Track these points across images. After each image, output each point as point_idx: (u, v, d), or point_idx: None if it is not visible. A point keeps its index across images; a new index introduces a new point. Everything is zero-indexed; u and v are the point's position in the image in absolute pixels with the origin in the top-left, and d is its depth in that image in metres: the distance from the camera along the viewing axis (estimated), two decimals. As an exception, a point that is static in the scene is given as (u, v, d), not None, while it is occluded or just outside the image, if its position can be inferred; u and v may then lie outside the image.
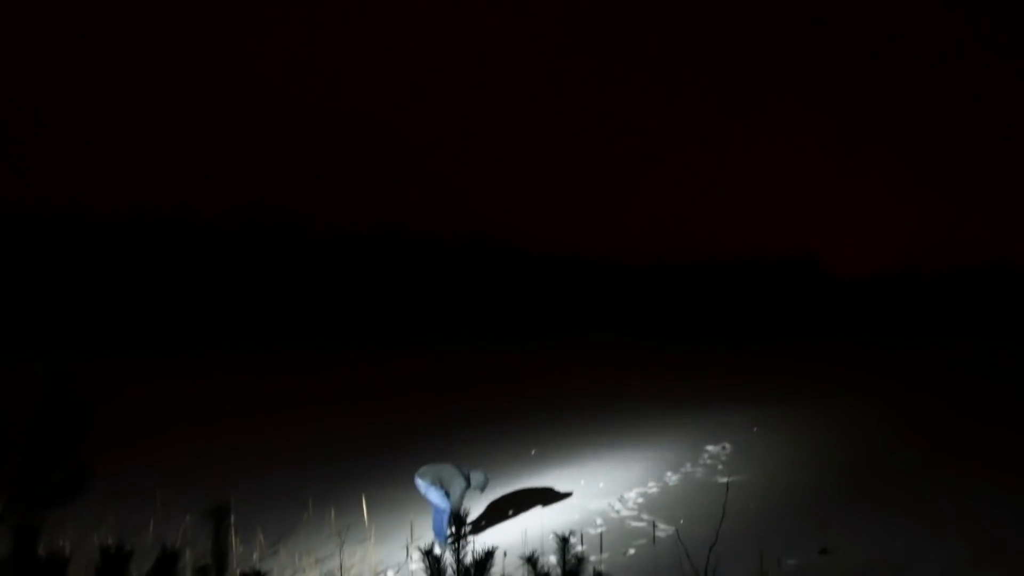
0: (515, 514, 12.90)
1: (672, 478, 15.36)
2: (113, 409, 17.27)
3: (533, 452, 14.93)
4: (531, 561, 4.02)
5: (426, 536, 11.63)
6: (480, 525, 12.24)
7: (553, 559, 4.05)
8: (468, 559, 3.64)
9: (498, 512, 13.01)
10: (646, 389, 24.44)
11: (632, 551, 11.24)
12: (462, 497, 11.34)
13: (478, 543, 3.75)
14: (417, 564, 10.73)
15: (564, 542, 4.09)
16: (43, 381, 2.69)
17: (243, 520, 10.05)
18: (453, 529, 11.72)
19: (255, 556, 10.59)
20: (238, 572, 3.61)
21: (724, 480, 14.94)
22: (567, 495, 14.06)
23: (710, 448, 17.39)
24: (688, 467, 16.05)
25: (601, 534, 11.75)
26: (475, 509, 12.38)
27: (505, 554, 8.04)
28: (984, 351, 30.60)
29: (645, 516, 13.00)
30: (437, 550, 3.70)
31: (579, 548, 3.98)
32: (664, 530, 11.96)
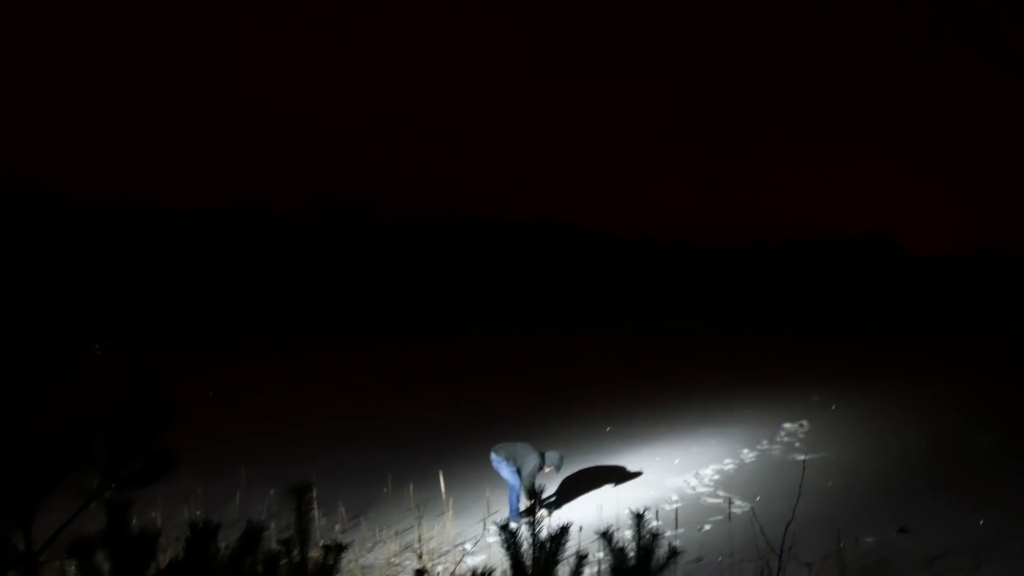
0: (590, 491, 12.97)
1: (748, 455, 15.28)
2: (198, 391, 17.80)
3: (608, 429, 14.96)
4: (606, 536, 4.08)
5: (502, 511, 11.77)
6: (555, 502, 12.34)
7: (628, 534, 4.10)
8: (544, 534, 3.68)
9: (573, 489, 13.08)
10: (721, 371, 24.29)
11: (708, 527, 11.25)
12: (534, 474, 11.44)
13: (554, 519, 3.80)
14: (494, 537, 10.87)
15: (639, 518, 4.13)
16: (133, 367, 2.81)
17: (325, 495, 10.30)
18: (526, 505, 11.85)
19: (337, 528, 10.84)
20: (321, 544, 3.73)
21: (801, 458, 14.82)
22: (642, 472, 14.08)
23: (787, 426, 17.26)
24: (765, 444, 15.96)
25: (677, 510, 11.76)
26: (551, 486, 12.47)
27: (580, 529, 8.10)
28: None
29: (721, 493, 12.98)
30: (512, 525, 3.78)
31: (654, 524, 4.02)
32: (740, 507, 11.93)
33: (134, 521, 2.82)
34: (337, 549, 3.73)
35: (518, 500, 11.57)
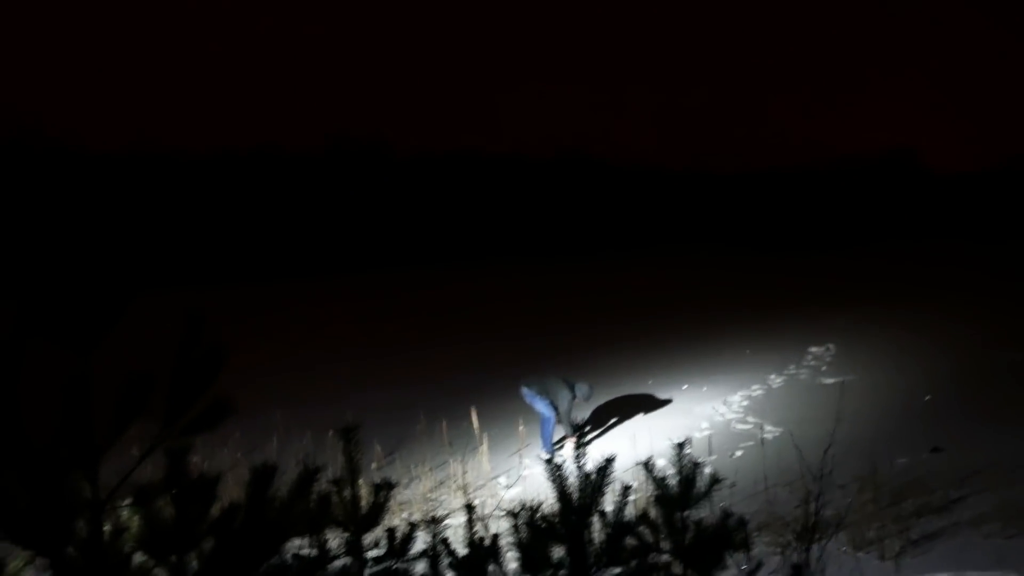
0: (620, 421, 13.08)
1: (776, 380, 15.35)
2: (228, 336, 17.89)
3: (685, 387, 14.97)
4: (647, 466, 4.13)
5: (534, 444, 11.89)
6: (587, 432, 12.44)
7: (661, 462, 4.15)
8: (588, 466, 3.73)
9: (604, 419, 13.20)
10: (744, 297, 24.29)
11: (739, 453, 11.34)
12: (571, 407, 11.53)
13: (591, 450, 3.85)
14: (527, 470, 11.00)
15: (680, 447, 4.18)
16: (183, 318, 2.86)
17: (359, 433, 10.41)
18: (561, 438, 11.97)
19: (373, 466, 11.00)
20: (370, 481, 3.80)
21: (829, 381, 14.88)
22: (671, 401, 14.16)
23: (813, 350, 17.30)
24: (792, 369, 16.02)
25: (708, 437, 11.86)
26: (580, 417, 12.58)
27: (615, 457, 8.20)
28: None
29: (751, 418, 13.06)
30: (545, 455, 3.81)
31: (687, 451, 4.07)
32: (771, 432, 12.00)
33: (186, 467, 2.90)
34: (387, 487, 3.81)
35: (551, 432, 11.69)
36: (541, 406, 11.57)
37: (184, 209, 38.11)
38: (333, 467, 3.63)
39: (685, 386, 15.12)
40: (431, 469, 10.71)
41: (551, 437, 11.71)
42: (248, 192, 40.46)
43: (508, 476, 10.94)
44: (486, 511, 8.36)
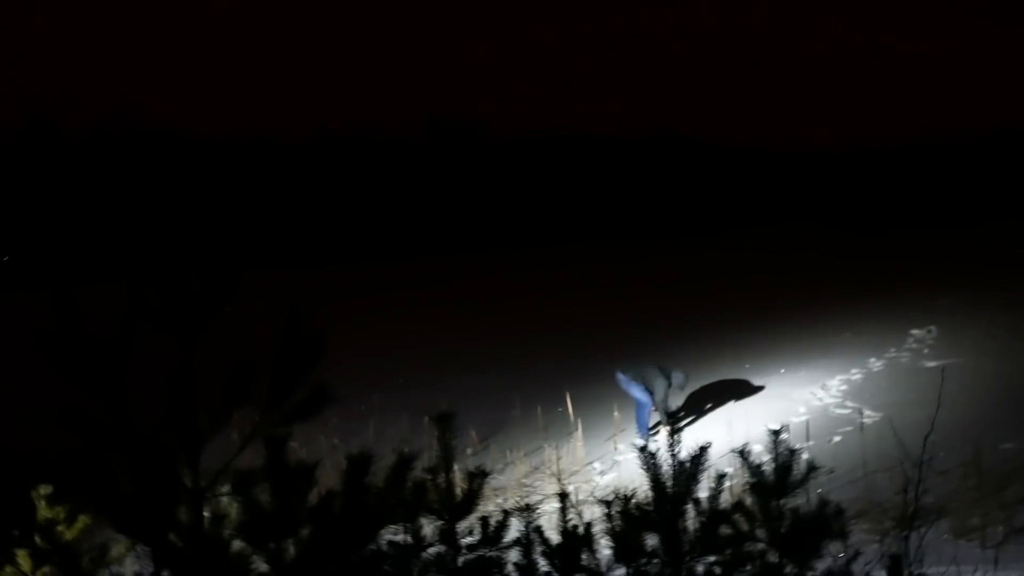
0: (716, 406, 12.95)
1: (876, 364, 15.03)
2: (322, 320, 18.18)
3: (782, 371, 14.80)
4: (742, 454, 4.09)
5: (629, 430, 11.85)
6: (682, 419, 12.34)
7: (757, 449, 4.10)
8: (683, 454, 3.71)
9: (699, 404, 13.09)
10: (841, 279, 23.80)
11: (838, 438, 11.16)
12: (666, 395, 11.46)
13: (686, 436, 3.83)
14: (622, 456, 10.97)
15: (776, 434, 4.12)
16: (283, 306, 2.90)
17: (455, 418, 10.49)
18: (656, 424, 11.92)
19: (468, 452, 11.08)
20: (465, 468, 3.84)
21: (931, 364, 14.51)
22: (767, 386, 13.97)
23: (915, 332, 16.87)
24: (892, 352, 15.66)
25: (806, 422, 11.67)
26: (676, 403, 12.50)
27: (709, 446, 8.13)
28: None
29: (850, 403, 12.83)
30: (640, 442, 3.78)
31: (783, 437, 4.02)
32: (871, 416, 11.77)
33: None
34: (481, 475, 3.84)
35: (647, 418, 11.64)
36: (637, 392, 11.53)
37: (278, 192, 38.78)
38: (429, 453, 3.67)
39: (782, 370, 14.91)
40: (526, 455, 10.78)
41: (647, 423, 11.67)
42: (338, 176, 40.95)
43: (602, 462, 10.94)
44: (580, 497, 8.36)
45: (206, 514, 2.87)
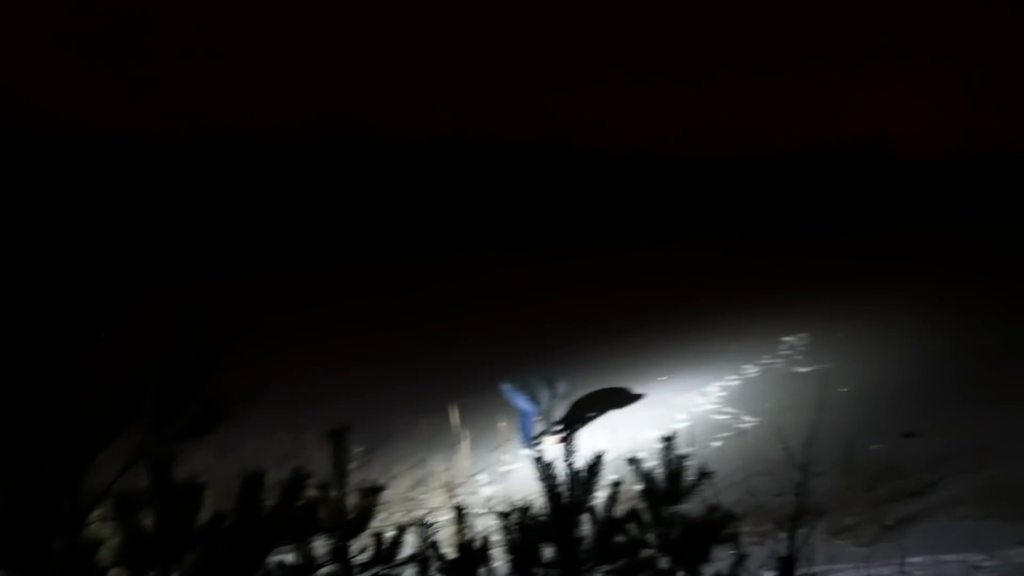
0: (600, 413, 13.06)
1: (752, 370, 15.41)
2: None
3: (663, 378, 14.97)
4: (634, 462, 4.11)
5: (515, 441, 11.84)
6: (567, 427, 12.41)
7: (641, 455, 4.12)
8: (579, 463, 3.70)
9: (583, 412, 13.17)
10: (717, 285, 24.37)
11: (718, 443, 11.37)
12: (551, 404, 11.51)
13: (575, 445, 3.82)
14: (507, 467, 10.96)
15: (668, 441, 4.16)
16: (173, 318, 2.79)
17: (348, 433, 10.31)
18: (540, 433, 11.94)
19: (352, 466, 10.88)
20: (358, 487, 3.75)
21: (803, 370, 14.96)
22: (648, 393, 14.16)
23: (787, 339, 17.38)
24: (767, 358, 16.09)
25: (687, 428, 11.87)
26: (559, 413, 12.56)
27: (605, 453, 8.18)
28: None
29: (728, 409, 13.10)
30: (525, 452, 3.77)
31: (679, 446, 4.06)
32: (748, 421, 12.05)
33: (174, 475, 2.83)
34: (375, 490, 3.77)
35: (532, 427, 11.66)
36: (521, 402, 11.55)
37: (162, 198, 37.66)
38: (314, 469, 3.55)
39: (663, 377, 15.14)
40: (411, 467, 10.66)
41: (531, 433, 11.68)
42: (222, 181, 40.01)
43: (488, 473, 10.90)
44: (467, 509, 8.29)
45: (86, 540, 2.73)
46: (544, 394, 11.46)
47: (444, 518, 3.67)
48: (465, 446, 10.78)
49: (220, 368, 2.74)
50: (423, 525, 3.61)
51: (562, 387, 11.75)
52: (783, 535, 7.19)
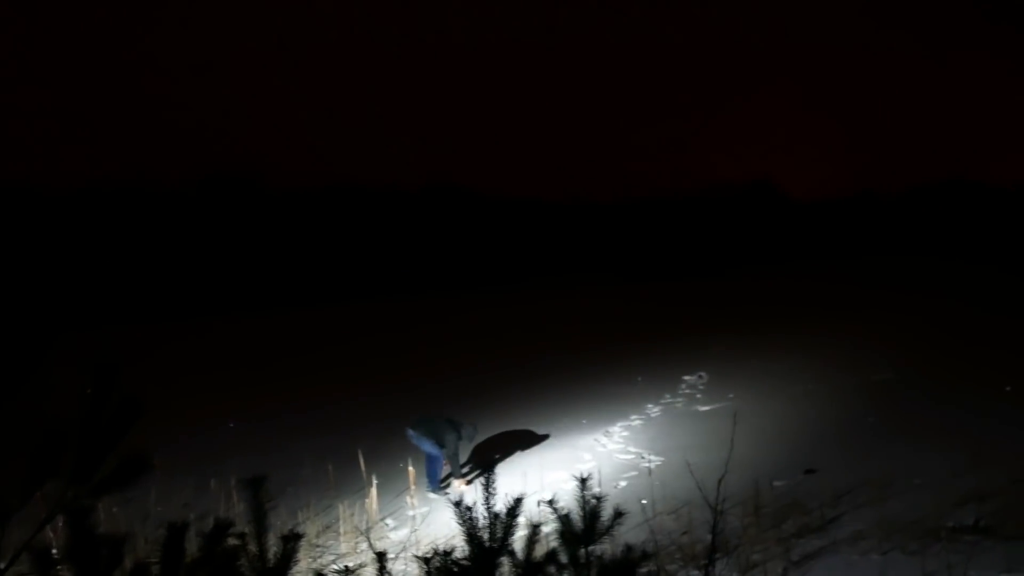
0: (505, 456, 13.10)
1: (653, 410, 15.65)
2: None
3: (564, 420, 15.04)
4: (551, 503, 4.17)
5: (422, 485, 11.80)
6: (473, 471, 12.41)
7: (549, 496, 4.19)
8: (498, 506, 3.75)
9: (488, 455, 13.18)
10: (615, 328, 24.73)
11: (624, 483, 11.50)
12: (456, 447, 11.52)
13: (479, 488, 3.86)
14: (415, 511, 10.91)
15: (583, 482, 4.24)
16: (92, 368, 2.76)
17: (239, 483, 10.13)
18: (447, 476, 11.93)
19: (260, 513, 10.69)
20: (278, 535, 3.73)
21: (704, 409, 15.26)
22: (551, 435, 14.25)
23: (687, 378, 17.72)
24: (668, 398, 16.37)
25: (594, 469, 11.98)
26: (464, 456, 12.57)
27: (524, 496, 8.21)
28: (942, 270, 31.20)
29: (632, 448, 13.26)
30: (432, 496, 3.74)
31: (588, 484, 4.14)
32: (652, 461, 12.22)
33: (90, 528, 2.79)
34: (295, 538, 3.75)
35: (438, 471, 11.65)
36: (427, 447, 11.53)
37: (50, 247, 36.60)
38: (214, 516, 3.51)
39: (565, 419, 15.26)
40: (317, 514, 10.54)
41: (438, 476, 11.66)
42: (112, 230, 39.03)
43: (395, 518, 10.83)
44: (372, 555, 8.22)
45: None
46: (450, 438, 11.47)
47: (354, 564, 3.66)
48: (372, 492, 10.69)
49: (140, 418, 2.73)
50: (345, 572, 3.61)
51: (467, 430, 11.77)
52: (695, 573, 7.34)
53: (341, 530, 10.09)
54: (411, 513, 10.84)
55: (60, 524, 2.74)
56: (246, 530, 3.58)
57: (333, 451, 12.93)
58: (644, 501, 10.05)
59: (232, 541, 3.39)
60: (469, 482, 11.53)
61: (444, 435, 11.51)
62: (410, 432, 11.68)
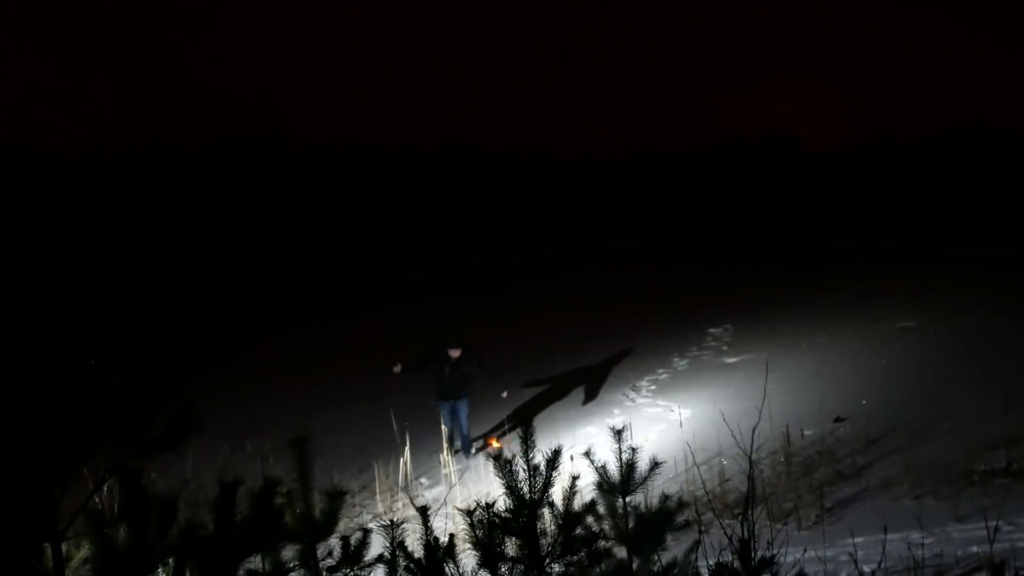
0: (538, 412, 13.14)
1: (680, 363, 15.62)
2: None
3: (594, 377, 15.07)
4: (587, 455, 4.23)
5: (454, 444, 11.88)
6: (509, 429, 12.41)
7: (579, 450, 4.23)
8: (537, 459, 3.79)
9: (522, 413, 13.24)
10: (640, 285, 24.63)
11: (654, 436, 11.56)
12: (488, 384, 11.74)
13: (515, 444, 3.90)
14: (447, 469, 11.00)
15: (619, 434, 4.29)
16: (136, 332, 2.80)
17: (277, 442, 10.28)
18: (481, 435, 12.04)
19: (293, 474, 10.81)
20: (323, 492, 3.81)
21: (731, 360, 15.26)
22: (580, 389, 14.28)
23: (713, 331, 17.64)
24: (694, 351, 16.32)
25: (624, 423, 12.02)
26: (498, 415, 12.65)
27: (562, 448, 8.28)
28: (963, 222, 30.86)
29: (660, 401, 13.31)
30: (467, 455, 3.76)
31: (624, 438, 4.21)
32: (681, 413, 12.25)
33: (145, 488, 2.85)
34: (340, 495, 3.83)
35: (469, 430, 11.75)
36: (460, 407, 11.63)
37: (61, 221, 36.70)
38: (252, 479, 3.56)
39: (594, 375, 15.28)
40: (354, 474, 10.67)
41: (469, 438, 11.75)
42: (130, 201, 39.07)
43: (429, 476, 10.96)
44: (410, 512, 8.33)
45: (66, 557, 2.75)
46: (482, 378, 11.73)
47: (396, 520, 3.72)
48: (406, 452, 10.81)
49: (187, 379, 2.77)
50: (390, 525, 3.68)
51: (499, 392, 11.99)
52: (730, 522, 7.39)
53: (377, 489, 10.22)
54: (444, 472, 10.95)
55: (112, 486, 2.81)
56: (291, 487, 3.67)
57: (366, 411, 13.02)
58: (680, 451, 10.11)
59: (280, 500, 3.47)
60: (500, 440, 11.62)
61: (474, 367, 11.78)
62: (442, 405, 11.75)
